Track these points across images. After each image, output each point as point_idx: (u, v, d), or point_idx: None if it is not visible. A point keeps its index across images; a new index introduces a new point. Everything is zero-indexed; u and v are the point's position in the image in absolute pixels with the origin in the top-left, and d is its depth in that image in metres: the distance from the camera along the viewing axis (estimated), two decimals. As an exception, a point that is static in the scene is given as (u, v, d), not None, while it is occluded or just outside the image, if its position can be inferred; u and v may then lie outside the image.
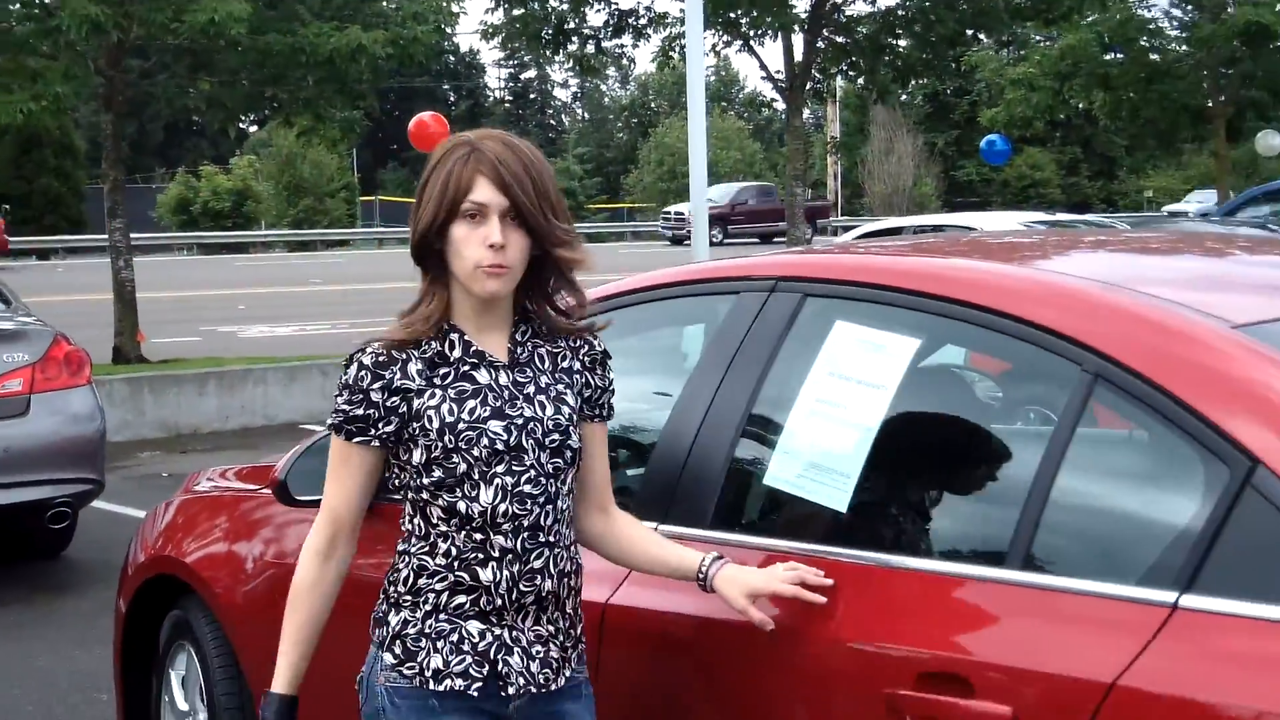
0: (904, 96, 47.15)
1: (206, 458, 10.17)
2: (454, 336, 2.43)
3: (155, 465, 10.47)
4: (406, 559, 2.46)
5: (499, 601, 2.39)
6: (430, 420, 2.38)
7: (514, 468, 2.38)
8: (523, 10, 17.30)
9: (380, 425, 2.40)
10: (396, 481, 2.48)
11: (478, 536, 2.38)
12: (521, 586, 2.39)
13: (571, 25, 17.52)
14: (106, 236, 15.08)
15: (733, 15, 16.66)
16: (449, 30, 16.46)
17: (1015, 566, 2.25)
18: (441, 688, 2.39)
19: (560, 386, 2.46)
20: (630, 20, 17.62)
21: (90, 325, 13.51)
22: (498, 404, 2.40)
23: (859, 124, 51.31)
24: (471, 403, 2.39)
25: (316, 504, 3.29)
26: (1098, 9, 20.12)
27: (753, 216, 44.51)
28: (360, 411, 2.40)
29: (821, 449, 2.53)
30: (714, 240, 42.56)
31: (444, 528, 2.40)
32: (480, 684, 2.39)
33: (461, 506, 2.38)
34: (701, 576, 2.45)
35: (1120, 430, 2.39)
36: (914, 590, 2.34)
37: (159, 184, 54.48)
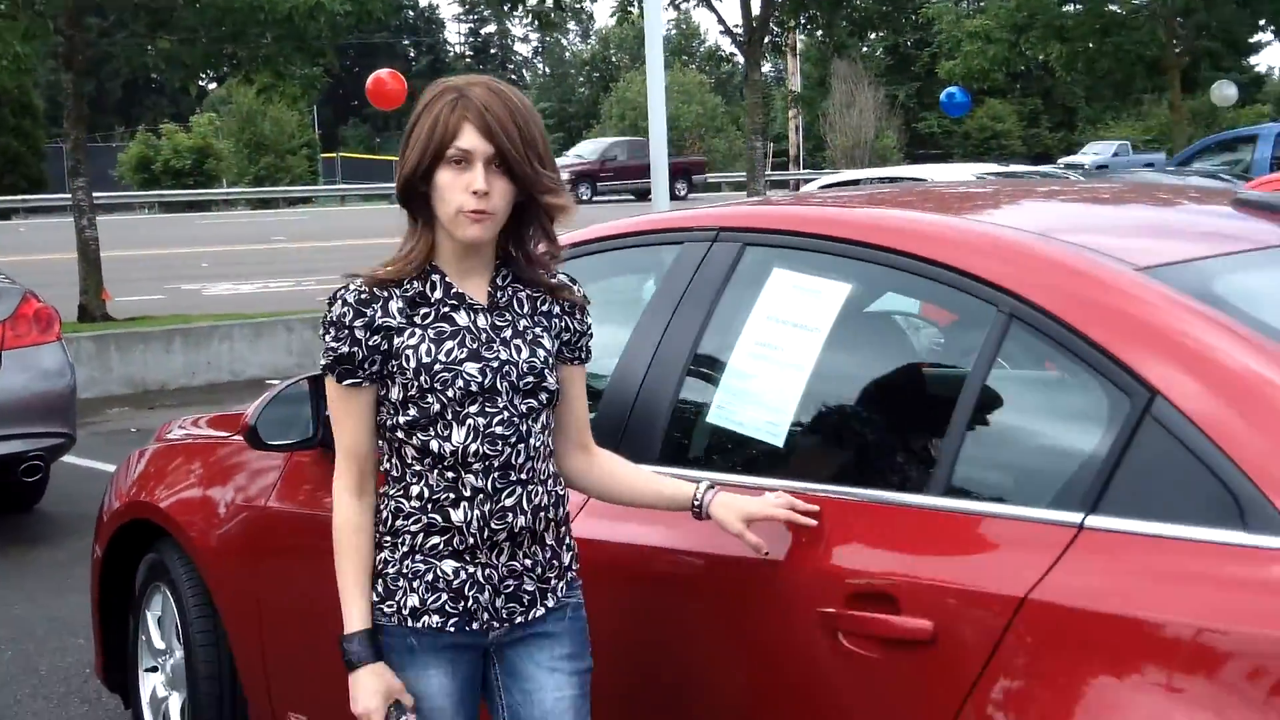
0: (864, 49, 47.20)
1: (174, 413, 10.24)
2: (435, 278, 2.47)
3: (124, 421, 10.59)
4: (386, 501, 2.52)
5: (471, 540, 2.45)
6: (407, 359, 2.42)
7: (486, 409, 2.43)
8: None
9: (367, 365, 2.44)
10: (376, 419, 2.51)
11: (449, 475, 2.44)
12: (493, 525, 2.45)
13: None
14: (68, 196, 15.08)
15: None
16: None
17: (937, 493, 2.43)
18: (419, 624, 2.46)
19: (538, 330, 2.51)
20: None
21: (54, 284, 13.54)
22: (474, 346, 2.45)
23: (820, 77, 51.30)
24: (449, 344, 2.44)
25: (286, 448, 3.49)
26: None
27: (624, 172, 42.36)
28: (347, 349, 2.43)
29: (760, 388, 2.71)
30: (580, 198, 40.51)
31: (417, 467, 2.46)
32: (456, 619, 2.46)
33: (434, 445, 2.43)
34: (696, 504, 2.54)
35: (1033, 368, 2.57)
36: (845, 517, 2.51)
37: (119, 142, 54.09)
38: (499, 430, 2.44)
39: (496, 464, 2.44)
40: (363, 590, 2.49)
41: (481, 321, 2.47)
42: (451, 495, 2.45)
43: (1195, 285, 2.38)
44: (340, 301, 2.44)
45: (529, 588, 2.51)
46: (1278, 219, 2.74)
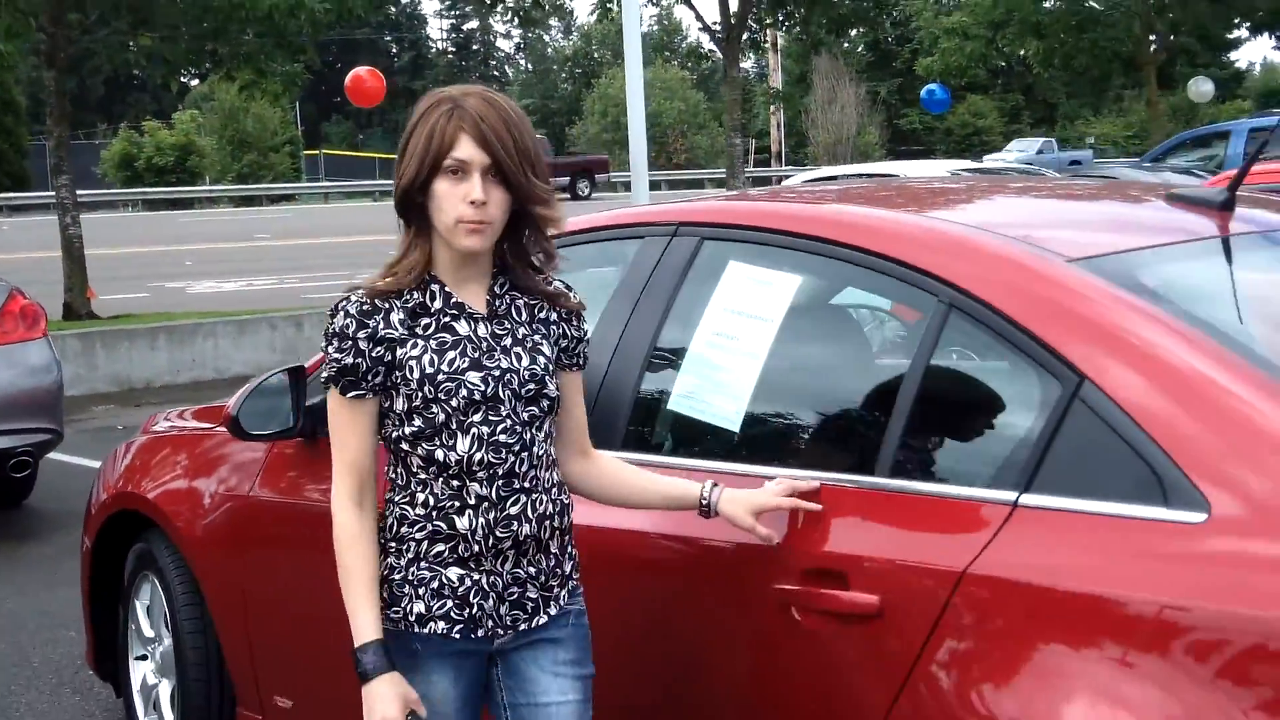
0: (845, 45, 47.36)
1: (159, 410, 10.40)
2: (435, 288, 2.49)
3: (110, 418, 10.71)
4: (391, 508, 2.53)
5: (476, 548, 2.47)
6: (411, 370, 2.44)
7: (490, 417, 2.45)
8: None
9: (370, 378, 2.45)
10: (382, 431, 2.53)
11: (454, 484, 2.45)
12: (498, 533, 2.47)
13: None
14: (50, 193, 15.19)
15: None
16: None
17: (883, 474, 2.57)
18: (425, 631, 2.48)
19: (537, 337, 2.53)
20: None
21: (38, 282, 13.60)
22: (476, 355, 2.47)
23: (801, 73, 51.54)
24: (451, 354, 2.45)
25: (267, 438, 3.62)
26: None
27: None
28: (350, 360, 2.44)
29: (717, 377, 2.85)
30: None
31: (423, 476, 2.48)
32: (461, 626, 2.49)
33: (439, 455, 2.45)
34: (705, 503, 2.59)
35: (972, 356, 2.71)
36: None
37: (102, 139, 54.07)
38: (503, 438, 2.46)
39: (501, 472, 2.46)
40: (370, 601, 2.49)
41: (482, 330, 2.50)
42: (457, 503, 2.47)
43: (1123, 276, 2.52)
44: (343, 313, 2.46)
45: (532, 595, 2.54)
46: (1208, 213, 2.88)
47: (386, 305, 2.46)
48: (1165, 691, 2.12)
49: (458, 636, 2.50)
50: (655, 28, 71.54)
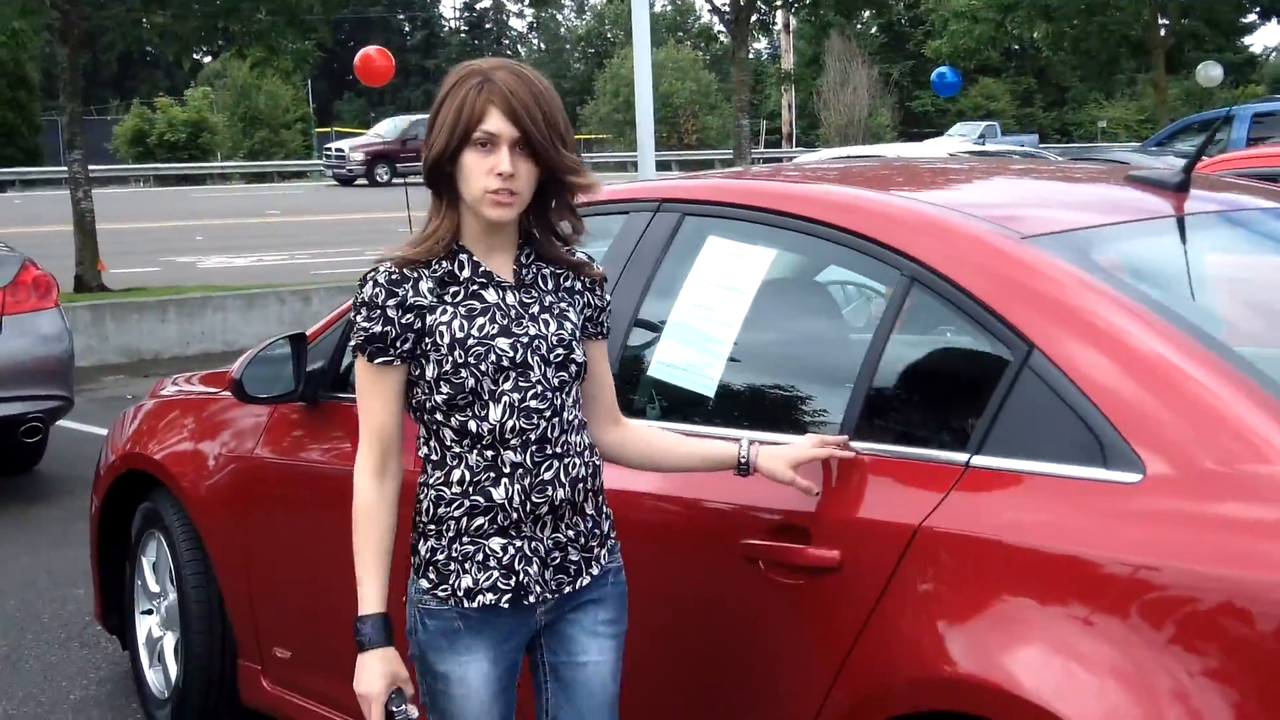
0: (859, 27, 47.36)
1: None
2: (463, 257, 2.52)
3: (119, 388, 10.89)
4: (425, 490, 2.55)
5: (514, 516, 2.50)
6: (442, 335, 2.47)
7: (520, 384, 2.48)
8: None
9: (399, 344, 2.48)
10: (413, 400, 2.55)
11: (488, 454, 2.48)
12: (534, 499, 2.50)
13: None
14: (62, 169, 15.41)
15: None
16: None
17: (846, 435, 2.73)
18: (474, 604, 2.50)
19: (563, 305, 2.57)
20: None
21: (51, 256, 13.74)
22: (504, 322, 2.50)
23: (814, 55, 51.55)
24: (481, 319, 2.48)
25: (270, 401, 3.78)
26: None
27: None
28: (379, 329, 2.47)
29: (695, 345, 3.01)
30: (380, 179, 38.74)
31: (457, 449, 2.50)
32: (509, 595, 2.51)
33: (472, 426, 2.48)
34: (743, 460, 2.66)
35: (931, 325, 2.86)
36: (767, 458, 2.81)
37: (114, 116, 54.23)
38: (534, 404, 2.49)
39: (534, 438, 2.50)
40: (379, 573, 2.52)
41: (510, 298, 2.53)
42: (492, 474, 2.49)
43: (1074, 252, 2.67)
44: (372, 282, 2.48)
45: (574, 558, 2.58)
46: (1162, 193, 3.03)
47: (415, 274, 2.49)
48: (1101, 636, 2.27)
49: (506, 606, 2.52)
50: (668, 8, 71.55)
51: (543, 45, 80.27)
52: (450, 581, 2.52)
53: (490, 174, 2.42)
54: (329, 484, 3.76)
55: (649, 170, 11.48)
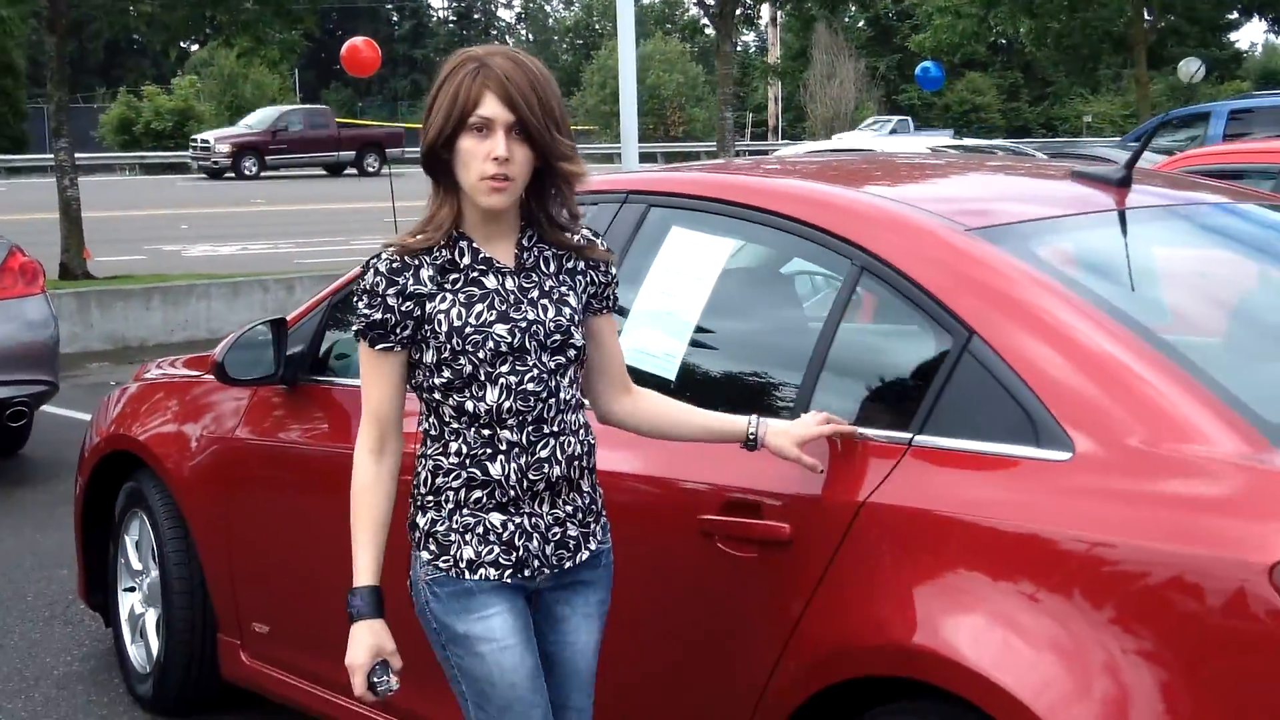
0: (846, 20, 47.45)
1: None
2: (463, 244, 2.55)
3: (104, 375, 10.99)
4: (424, 462, 2.61)
5: (512, 493, 2.55)
6: (440, 324, 2.51)
7: (517, 368, 2.53)
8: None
9: (398, 330, 2.52)
10: (413, 380, 2.60)
11: (485, 432, 2.54)
12: (531, 476, 2.56)
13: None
14: (48, 156, 15.47)
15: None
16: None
17: (801, 415, 2.86)
18: (476, 576, 2.56)
19: (563, 289, 2.60)
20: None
21: (36, 243, 13.80)
22: (503, 308, 2.54)
23: (801, 48, 51.62)
24: (479, 307, 2.52)
25: (251, 383, 3.91)
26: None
27: (299, 145, 39.07)
28: (379, 316, 2.51)
29: (657, 331, 3.14)
30: (247, 172, 37.19)
31: (455, 425, 2.55)
32: (510, 569, 2.57)
33: (469, 405, 2.53)
34: (751, 436, 2.71)
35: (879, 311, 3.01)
36: (722, 438, 2.94)
37: (100, 104, 54.17)
38: (531, 387, 2.54)
39: (530, 419, 2.55)
40: (374, 547, 2.58)
41: (510, 284, 2.56)
42: (489, 450, 2.55)
43: (1014, 243, 2.81)
44: (373, 270, 2.52)
45: (573, 533, 2.64)
46: (1105, 188, 3.17)
47: (416, 262, 2.53)
48: (1033, 607, 2.42)
49: (508, 580, 2.58)
50: (657, 0, 71.62)
51: (531, 36, 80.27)
52: (451, 552, 2.57)
53: (486, 159, 2.45)
54: (308, 464, 3.90)
55: (632, 162, 11.59)
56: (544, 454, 2.57)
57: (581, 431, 2.65)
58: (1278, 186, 6.57)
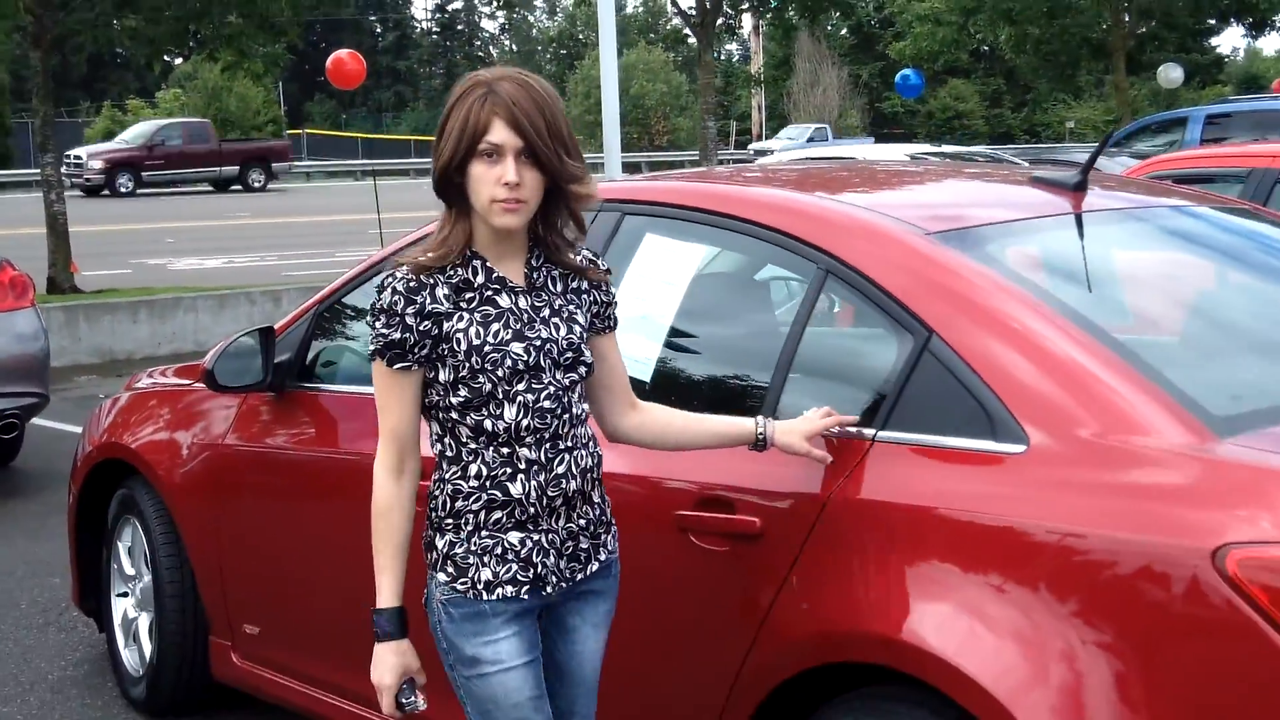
0: (830, 28, 47.64)
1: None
2: (476, 263, 2.59)
3: (92, 388, 11.08)
4: (442, 485, 2.63)
5: (532, 510, 2.60)
6: (459, 343, 2.54)
7: (533, 385, 2.57)
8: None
9: (416, 350, 2.55)
10: (427, 400, 2.63)
11: (504, 451, 2.58)
12: (550, 493, 2.60)
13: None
14: (32, 171, 15.53)
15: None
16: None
17: (768, 414, 2.98)
18: (494, 596, 2.59)
19: (571, 307, 2.66)
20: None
21: (23, 258, 13.82)
22: (518, 327, 2.58)
23: (784, 56, 51.87)
24: (495, 325, 2.56)
25: (240, 390, 4.02)
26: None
27: (179, 160, 37.69)
28: (397, 336, 2.54)
29: (632, 334, 3.25)
30: (123, 189, 35.65)
31: (473, 445, 2.59)
32: (528, 586, 2.61)
33: (488, 424, 2.57)
34: (761, 436, 2.78)
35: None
36: (696, 436, 3.05)
37: (85, 118, 54.20)
38: (546, 404, 2.59)
39: (546, 435, 2.59)
40: (396, 568, 2.62)
41: (522, 303, 2.61)
42: (508, 470, 2.58)
43: (972, 246, 2.93)
44: (390, 290, 2.54)
45: (584, 545, 2.69)
46: (1062, 193, 3.29)
47: (431, 281, 2.56)
48: (988, 587, 2.54)
49: (526, 598, 2.62)
50: (640, 10, 71.86)
51: (514, 47, 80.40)
52: (470, 575, 2.60)
53: (497, 184, 2.49)
54: (297, 468, 4.01)
55: (615, 171, 11.69)
56: (560, 470, 2.62)
57: (591, 444, 2.71)
58: (1245, 190, 6.71)
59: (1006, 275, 2.86)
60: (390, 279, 2.56)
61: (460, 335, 2.55)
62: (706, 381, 3.31)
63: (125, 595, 4.81)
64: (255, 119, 52.84)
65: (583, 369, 2.65)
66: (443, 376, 2.58)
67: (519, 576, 2.60)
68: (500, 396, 2.56)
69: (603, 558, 2.74)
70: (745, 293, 3.51)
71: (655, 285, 3.27)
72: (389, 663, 2.63)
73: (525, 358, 2.57)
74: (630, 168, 32.58)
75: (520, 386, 2.57)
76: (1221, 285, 3.43)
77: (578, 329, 2.66)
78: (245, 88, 48.64)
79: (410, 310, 2.54)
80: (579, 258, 2.70)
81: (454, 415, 2.59)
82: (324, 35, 62.10)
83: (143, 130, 39.07)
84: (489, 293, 2.59)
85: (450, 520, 2.62)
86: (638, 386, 3.22)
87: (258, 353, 4.03)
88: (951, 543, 2.62)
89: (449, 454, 2.62)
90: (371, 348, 2.59)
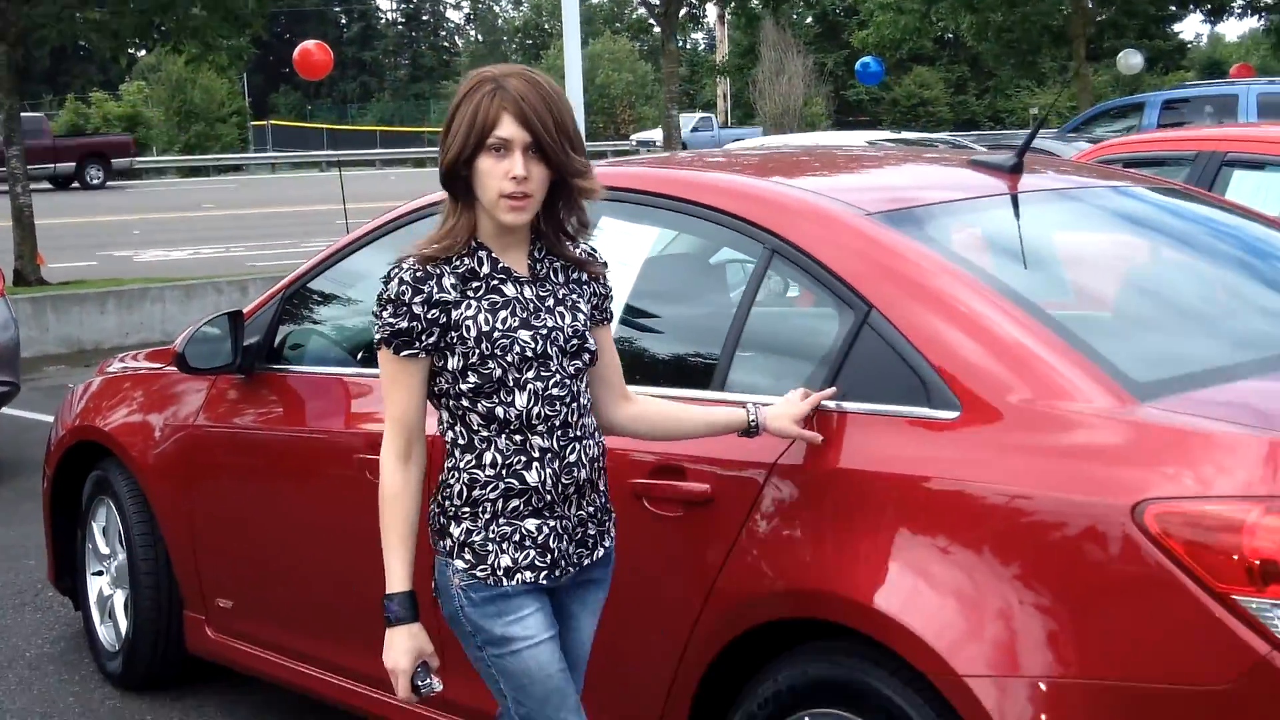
0: (795, 17, 47.77)
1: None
2: (482, 254, 2.64)
3: (61, 378, 11.14)
4: (457, 474, 2.67)
5: (548, 497, 2.65)
6: (468, 329, 2.59)
7: (542, 373, 2.62)
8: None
9: (423, 337, 2.59)
10: (435, 388, 2.67)
11: (517, 439, 2.63)
12: (564, 480, 2.66)
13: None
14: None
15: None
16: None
17: (717, 388, 3.13)
18: (514, 581, 2.65)
19: (575, 297, 2.71)
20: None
21: (-11, 250, 14.05)
22: (525, 315, 2.63)
23: (749, 44, 51.97)
24: (503, 313, 2.61)
25: (210, 372, 4.14)
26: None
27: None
28: (404, 324, 2.58)
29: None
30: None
31: (485, 433, 2.64)
32: (545, 571, 2.68)
33: (499, 411, 2.61)
34: (753, 423, 2.86)
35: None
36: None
37: (48, 110, 53.91)
38: (555, 392, 2.64)
39: (557, 423, 2.65)
40: (405, 553, 2.64)
41: (528, 292, 2.66)
42: (523, 458, 2.63)
43: (910, 225, 3.09)
44: (397, 280, 2.58)
45: (592, 531, 2.76)
46: (998, 174, 3.45)
47: (438, 271, 2.60)
48: (925, 543, 2.70)
49: (544, 582, 2.68)
50: (606, 0, 71.89)
51: (480, 37, 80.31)
52: (489, 561, 2.65)
53: (505, 178, 2.54)
54: (266, 447, 4.15)
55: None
56: (572, 458, 2.68)
57: (596, 434, 2.77)
58: (1193, 173, 6.90)
59: (942, 252, 3.02)
60: (396, 270, 2.60)
61: (469, 322, 2.60)
62: (661, 356, 3.45)
63: (100, 573, 4.94)
64: (220, 111, 52.73)
65: (587, 357, 2.71)
66: (451, 364, 2.62)
67: (537, 562, 2.66)
68: (510, 384, 2.61)
69: (606, 544, 2.81)
70: (698, 273, 3.66)
71: (611, 267, 3.40)
72: (403, 646, 2.65)
73: (533, 345, 2.62)
74: (596, 156, 32.53)
75: (530, 374, 2.62)
76: (1150, 261, 3.59)
77: (582, 318, 2.71)
78: (210, 80, 48.66)
79: (418, 299, 2.58)
80: (579, 251, 2.76)
81: (464, 403, 2.64)
82: (289, 26, 61.93)
83: None
84: (495, 282, 2.64)
85: (467, 508, 2.66)
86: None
87: (227, 336, 4.15)
88: (889, 504, 2.77)
89: (461, 442, 2.67)
90: (378, 337, 2.62)
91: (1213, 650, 2.42)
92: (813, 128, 45.29)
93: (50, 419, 5.32)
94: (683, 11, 18.73)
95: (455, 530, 2.67)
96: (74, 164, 36.27)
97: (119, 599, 4.80)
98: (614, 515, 2.87)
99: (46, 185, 35.63)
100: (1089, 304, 3.33)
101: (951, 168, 3.74)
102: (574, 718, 2.73)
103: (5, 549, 6.46)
